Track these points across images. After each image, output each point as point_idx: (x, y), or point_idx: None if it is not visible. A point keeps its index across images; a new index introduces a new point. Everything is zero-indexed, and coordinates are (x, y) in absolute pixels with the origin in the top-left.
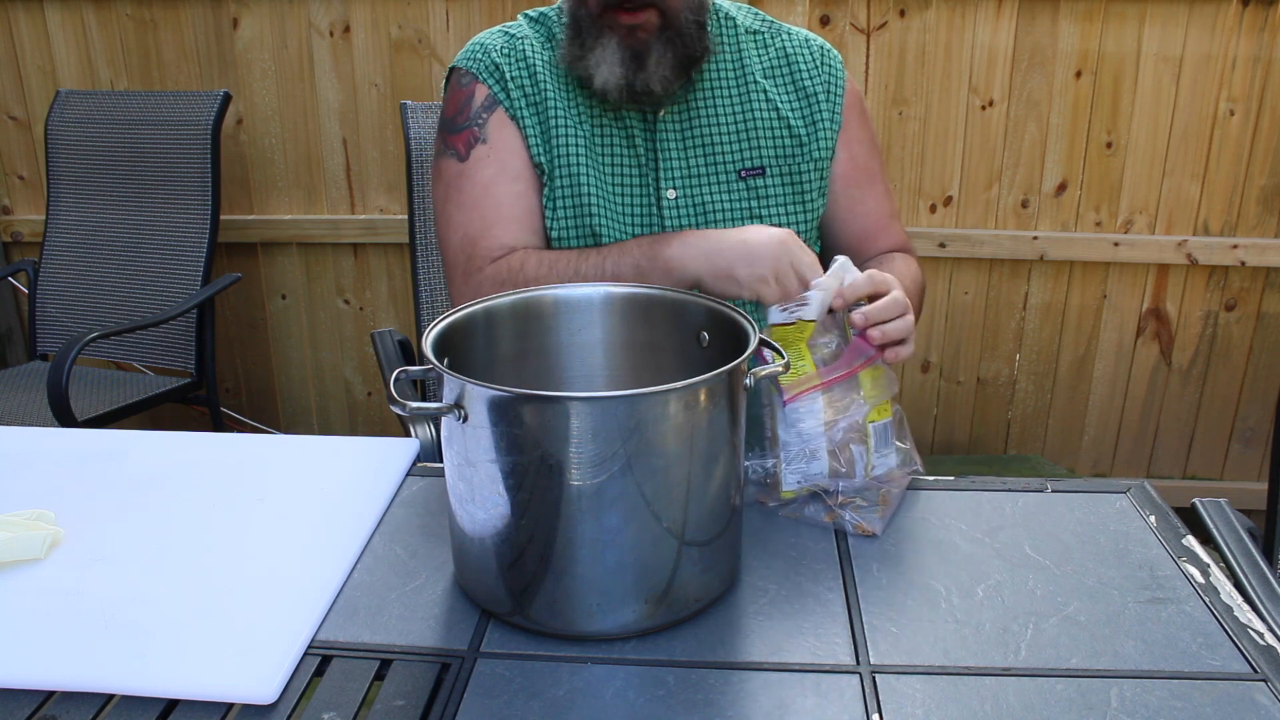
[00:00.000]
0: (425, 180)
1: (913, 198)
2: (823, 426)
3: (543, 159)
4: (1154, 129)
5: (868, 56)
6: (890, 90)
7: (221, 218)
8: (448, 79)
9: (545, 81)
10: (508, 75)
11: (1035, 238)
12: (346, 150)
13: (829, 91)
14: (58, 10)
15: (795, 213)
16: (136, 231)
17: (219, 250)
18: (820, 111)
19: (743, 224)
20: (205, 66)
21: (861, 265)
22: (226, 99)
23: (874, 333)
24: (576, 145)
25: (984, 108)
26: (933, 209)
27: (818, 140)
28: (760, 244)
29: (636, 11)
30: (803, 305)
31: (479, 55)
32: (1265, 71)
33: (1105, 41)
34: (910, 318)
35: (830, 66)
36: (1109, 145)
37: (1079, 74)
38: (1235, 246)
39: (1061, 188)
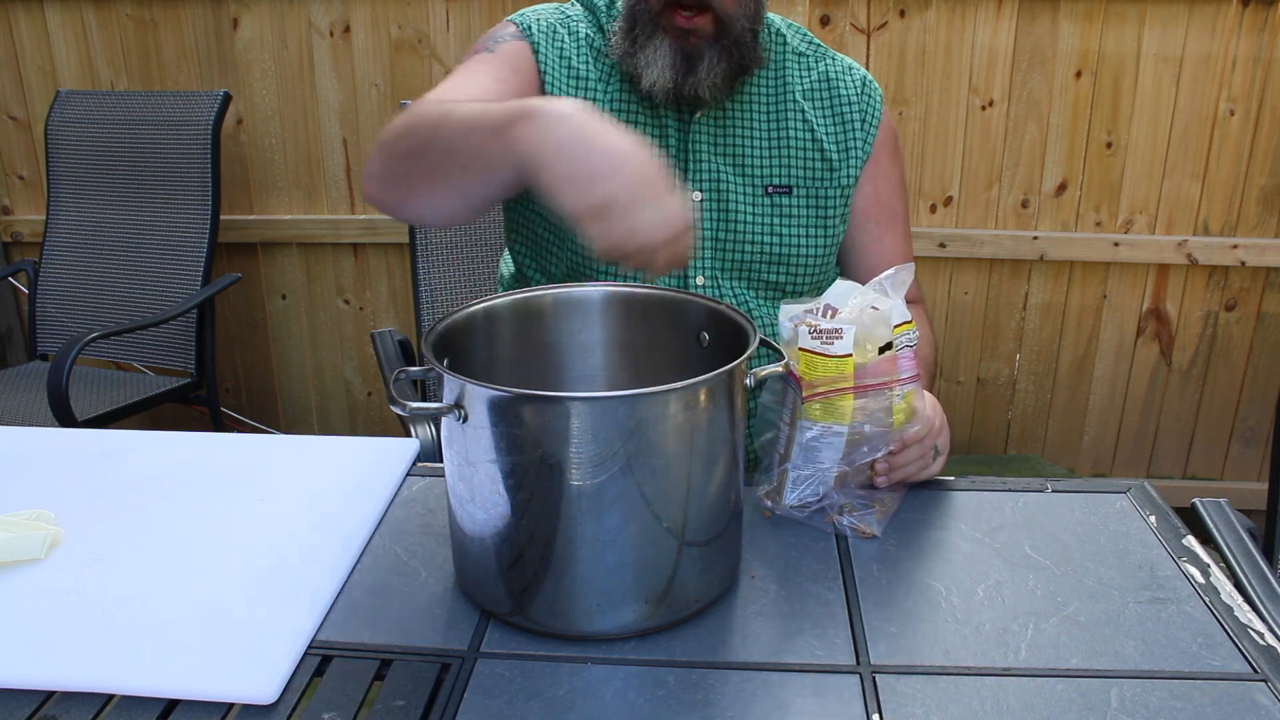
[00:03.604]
0: None
1: (913, 198)
2: (840, 458)
3: None
4: (1154, 129)
5: (868, 56)
6: (890, 90)
7: (221, 218)
8: None
9: (589, 64)
10: (547, 36)
11: (1035, 238)
12: (346, 150)
13: (865, 121)
14: (58, 10)
15: (816, 235)
16: (136, 231)
17: (219, 250)
18: (854, 139)
19: (765, 240)
20: (205, 66)
21: None
22: (226, 99)
23: (881, 481)
24: None
25: (984, 108)
26: (933, 209)
27: (848, 167)
28: (612, 165)
29: (693, 16)
30: (836, 337)
31: (528, 14)
32: (1265, 71)
33: (1105, 41)
34: (936, 466)
35: (870, 97)
36: (1109, 145)
37: (1079, 74)
38: (1235, 246)
39: (1061, 188)
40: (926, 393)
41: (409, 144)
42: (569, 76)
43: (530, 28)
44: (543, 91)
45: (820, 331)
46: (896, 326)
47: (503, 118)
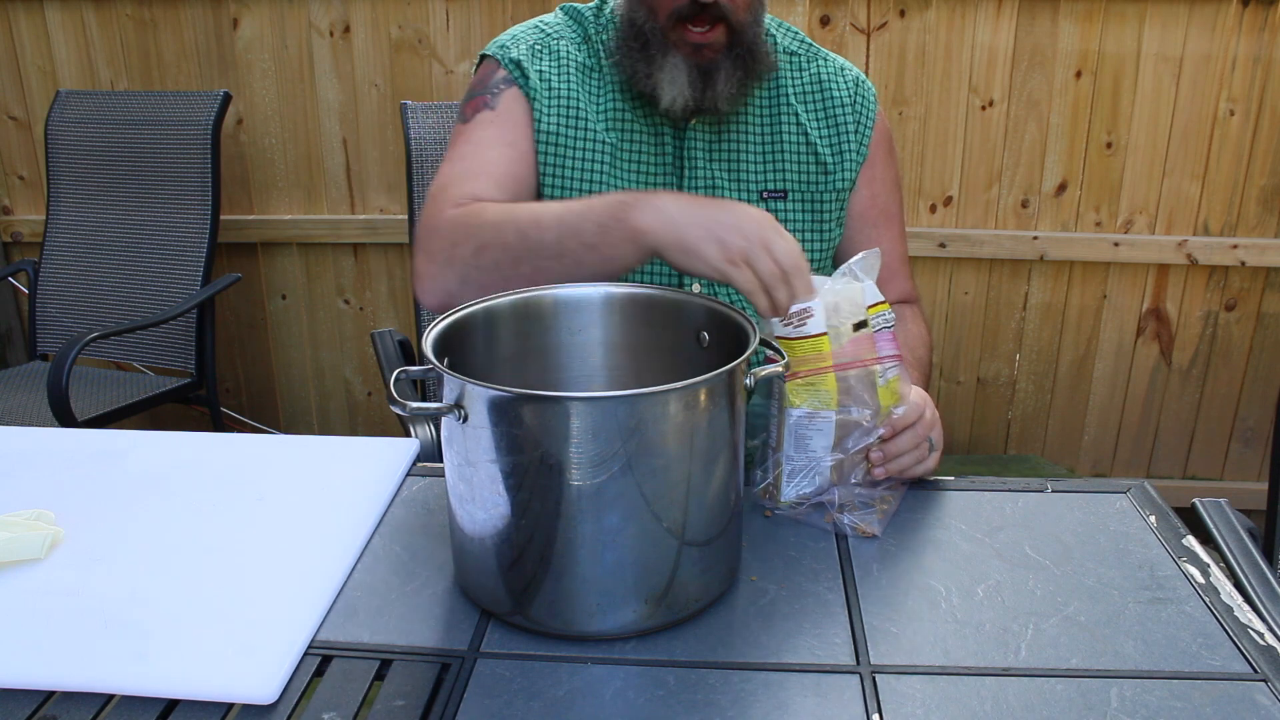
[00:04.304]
0: (425, 180)
1: (913, 198)
2: (831, 445)
3: (549, 150)
4: (1154, 129)
5: (868, 56)
6: (890, 90)
7: (221, 218)
8: (477, 66)
9: (574, 78)
10: (530, 69)
11: (1035, 238)
12: (346, 150)
13: (859, 123)
14: (58, 10)
15: (812, 240)
16: (136, 231)
17: (219, 250)
18: (848, 142)
19: None
20: (205, 66)
21: None
22: (226, 99)
23: (878, 471)
24: (600, 147)
25: (984, 108)
26: (933, 209)
27: (842, 170)
28: (734, 222)
29: (706, 31)
30: (807, 318)
31: (507, 44)
32: (1265, 71)
33: (1105, 41)
34: (932, 461)
35: (863, 99)
36: (1109, 145)
37: (1079, 74)
38: (1235, 246)
39: (1061, 188)
40: (915, 385)
41: (495, 256)
42: (553, 99)
43: (517, 64)
44: (534, 123)
45: (790, 316)
46: (871, 307)
47: (605, 213)
